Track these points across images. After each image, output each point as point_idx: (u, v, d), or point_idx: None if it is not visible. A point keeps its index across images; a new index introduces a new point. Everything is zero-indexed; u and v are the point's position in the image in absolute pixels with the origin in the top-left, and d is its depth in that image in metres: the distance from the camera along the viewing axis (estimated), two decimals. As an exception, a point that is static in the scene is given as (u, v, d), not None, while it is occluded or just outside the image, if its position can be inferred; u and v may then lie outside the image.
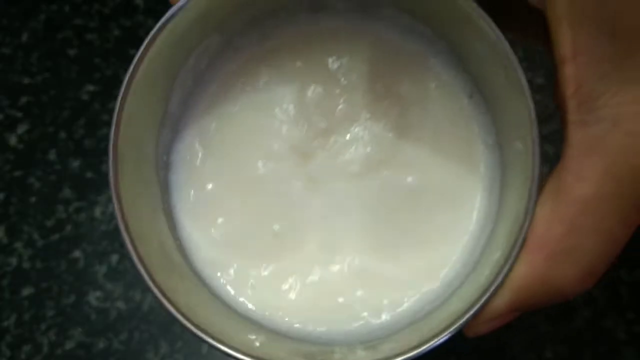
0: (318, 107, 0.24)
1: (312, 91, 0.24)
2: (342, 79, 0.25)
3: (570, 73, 0.18)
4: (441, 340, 0.19)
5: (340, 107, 0.24)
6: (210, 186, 0.24)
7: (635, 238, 0.38)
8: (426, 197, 0.24)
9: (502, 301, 0.19)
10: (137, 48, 0.22)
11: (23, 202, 0.38)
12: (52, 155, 0.39)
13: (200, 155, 0.25)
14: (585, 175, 0.18)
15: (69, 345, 0.35)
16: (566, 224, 0.18)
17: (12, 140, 0.40)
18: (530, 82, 0.19)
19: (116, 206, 0.21)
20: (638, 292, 0.35)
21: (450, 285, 0.22)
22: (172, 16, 0.21)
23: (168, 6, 0.22)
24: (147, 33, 0.22)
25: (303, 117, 0.24)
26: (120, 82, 0.23)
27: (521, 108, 0.19)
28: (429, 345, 0.19)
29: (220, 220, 0.24)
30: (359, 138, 0.24)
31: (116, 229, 0.37)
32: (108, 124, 0.40)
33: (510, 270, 0.19)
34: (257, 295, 0.23)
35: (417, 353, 0.19)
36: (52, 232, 0.37)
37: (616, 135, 0.17)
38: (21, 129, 0.40)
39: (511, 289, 0.19)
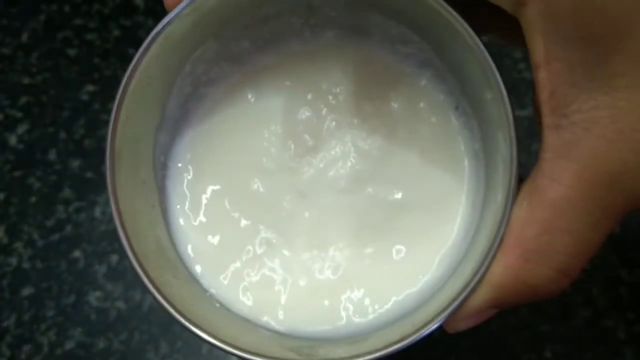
0: (306, 125, 0.25)
1: (301, 110, 0.25)
2: (331, 98, 0.25)
3: (543, 79, 0.18)
4: (422, 335, 0.20)
5: (327, 125, 0.25)
6: (203, 194, 0.25)
7: (635, 238, 0.38)
8: (411, 210, 0.25)
9: (479, 298, 0.20)
10: (137, 48, 0.22)
11: (23, 202, 0.38)
12: (52, 155, 0.39)
13: (193, 163, 0.25)
14: (558, 178, 0.18)
15: (69, 345, 0.35)
16: (539, 225, 0.19)
17: (12, 140, 0.40)
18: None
19: (112, 203, 0.21)
20: (638, 292, 0.35)
21: (431, 289, 0.23)
22: (169, 22, 0.22)
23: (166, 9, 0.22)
24: (147, 33, 0.22)
25: (292, 135, 0.25)
26: (120, 82, 0.23)
27: (500, 110, 0.20)
28: (411, 339, 0.20)
29: (213, 226, 0.25)
30: (346, 155, 0.25)
31: (116, 229, 0.38)
32: (108, 124, 0.40)
33: (487, 269, 0.20)
34: (250, 297, 0.24)
35: (400, 346, 0.20)
36: (52, 232, 0.37)
37: (588, 141, 0.18)
38: (21, 129, 0.40)
39: (488, 286, 0.20)
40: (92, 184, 0.39)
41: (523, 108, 0.36)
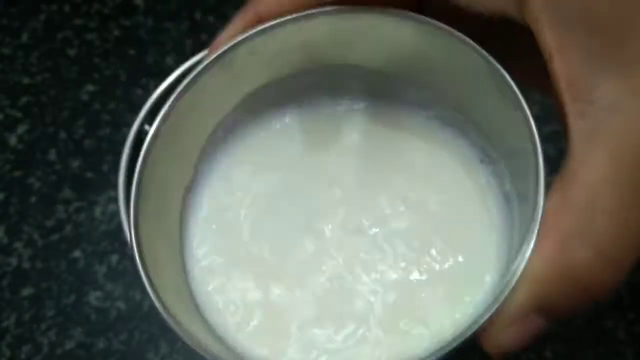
0: (327, 190, 0.25)
1: (319, 180, 0.25)
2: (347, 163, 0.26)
3: (559, 68, 0.18)
4: (450, 348, 0.18)
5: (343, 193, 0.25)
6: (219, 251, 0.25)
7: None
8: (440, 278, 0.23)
9: (520, 297, 0.18)
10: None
11: (23, 202, 0.38)
12: (52, 155, 0.39)
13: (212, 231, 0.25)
14: (589, 160, 0.18)
15: (69, 345, 0.35)
16: (574, 207, 0.18)
17: (12, 140, 0.40)
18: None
19: (133, 236, 0.21)
20: (638, 292, 0.35)
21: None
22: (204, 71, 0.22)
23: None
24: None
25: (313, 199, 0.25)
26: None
27: (529, 153, 0.20)
28: (437, 353, 0.18)
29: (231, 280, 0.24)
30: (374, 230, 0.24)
31: (116, 229, 0.38)
32: (108, 124, 0.40)
33: (526, 264, 0.18)
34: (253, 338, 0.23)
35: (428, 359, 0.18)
36: (52, 232, 0.37)
37: (615, 123, 0.17)
38: (21, 129, 0.40)
39: (527, 282, 0.18)
40: (92, 184, 0.39)
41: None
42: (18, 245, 0.37)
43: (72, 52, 0.42)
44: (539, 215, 0.18)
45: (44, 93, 0.41)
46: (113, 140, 0.39)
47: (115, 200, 0.38)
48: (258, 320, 0.23)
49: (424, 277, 0.23)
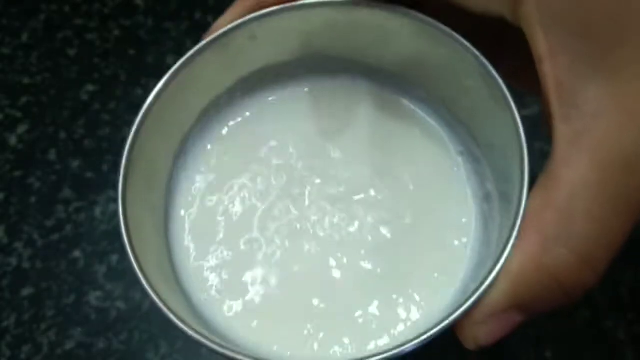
0: (312, 171, 0.26)
1: (306, 158, 0.26)
2: (336, 150, 0.26)
3: (548, 71, 0.18)
4: (427, 336, 0.19)
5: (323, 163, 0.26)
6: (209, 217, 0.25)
7: (634, 238, 0.38)
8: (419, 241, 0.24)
9: (498, 292, 0.18)
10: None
11: (23, 202, 0.38)
12: (52, 155, 0.39)
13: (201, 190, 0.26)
14: (571, 163, 0.18)
15: (69, 345, 0.35)
16: (555, 208, 0.18)
17: (12, 140, 0.40)
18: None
19: (120, 207, 0.21)
20: (638, 292, 0.35)
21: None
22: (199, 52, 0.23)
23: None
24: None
25: (297, 178, 0.26)
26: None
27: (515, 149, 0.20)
28: (419, 341, 0.19)
29: (214, 252, 0.25)
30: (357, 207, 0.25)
31: (116, 229, 0.38)
32: (108, 124, 0.40)
33: (505, 260, 0.18)
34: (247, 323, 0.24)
35: (404, 349, 0.19)
36: (52, 232, 0.37)
37: (599, 127, 0.18)
38: (21, 129, 0.40)
39: (506, 277, 0.18)
40: (92, 184, 0.39)
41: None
42: (18, 245, 0.37)
43: (72, 52, 0.42)
44: (521, 213, 0.19)
45: (44, 93, 0.41)
46: (113, 140, 0.39)
47: (115, 200, 0.37)
48: (242, 297, 0.24)
49: (394, 242, 0.24)
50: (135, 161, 0.22)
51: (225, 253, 0.24)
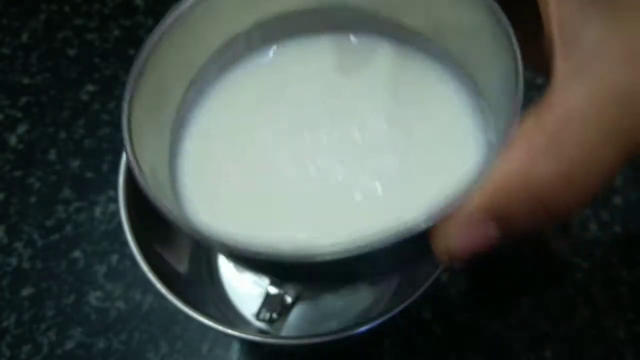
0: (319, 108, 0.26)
1: (321, 103, 0.26)
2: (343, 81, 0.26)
3: (552, 12, 0.19)
4: (396, 238, 0.17)
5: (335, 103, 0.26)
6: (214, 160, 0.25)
7: (635, 238, 0.38)
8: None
9: (478, 198, 0.18)
10: (137, 48, 0.22)
11: (23, 202, 0.38)
12: (52, 155, 0.40)
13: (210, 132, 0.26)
14: (568, 93, 0.18)
15: (69, 345, 0.35)
16: (547, 133, 0.18)
17: (12, 140, 0.40)
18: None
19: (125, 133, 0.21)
20: (638, 292, 0.35)
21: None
22: None
23: (168, 8, 0.22)
24: (147, 33, 0.22)
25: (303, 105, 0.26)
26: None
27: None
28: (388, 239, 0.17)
29: (219, 183, 0.25)
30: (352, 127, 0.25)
31: (116, 229, 0.38)
32: (108, 124, 0.40)
33: (488, 167, 0.18)
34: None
35: (369, 249, 0.17)
36: (52, 232, 0.37)
37: (598, 64, 0.18)
38: (21, 129, 0.40)
39: (488, 186, 0.18)
40: (92, 184, 0.39)
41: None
42: (18, 245, 0.37)
43: (72, 52, 0.42)
44: (512, 129, 0.18)
45: (44, 93, 0.41)
46: (113, 140, 0.39)
47: (115, 200, 0.38)
48: (242, 206, 0.24)
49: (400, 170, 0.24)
50: (146, 75, 0.22)
51: (232, 174, 0.25)
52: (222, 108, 0.26)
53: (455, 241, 0.18)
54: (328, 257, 0.18)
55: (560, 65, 0.18)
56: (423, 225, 0.17)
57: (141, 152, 0.21)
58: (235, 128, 0.26)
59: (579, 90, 0.18)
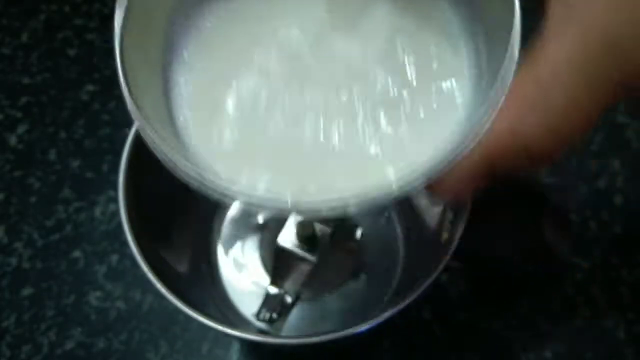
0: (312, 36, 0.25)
1: (313, 45, 0.25)
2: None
3: None
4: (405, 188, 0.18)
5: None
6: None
7: (635, 238, 0.38)
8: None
9: (478, 154, 0.19)
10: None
11: (23, 202, 0.38)
12: (52, 155, 0.40)
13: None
14: (558, 40, 0.19)
15: (69, 345, 0.35)
16: (538, 82, 0.19)
17: (12, 140, 0.40)
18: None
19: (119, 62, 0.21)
20: (638, 292, 0.35)
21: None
22: None
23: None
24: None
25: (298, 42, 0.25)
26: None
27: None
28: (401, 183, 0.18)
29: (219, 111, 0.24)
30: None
31: (116, 229, 0.38)
32: (108, 124, 0.40)
33: (482, 124, 0.19)
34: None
35: (376, 199, 0.18)
36: (52, 232, 0.37)
37: (590, 8, 0.19)
38: (21, 129, 0.40)
39: (486, 142, 0.19)
40: (92, 184, 0.39)
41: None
42: (18, 245, 0.37)
43: (72, 52, 0.42)
44: (508, 83, 0.19)
45: (44, 93, 0.41)
46: (113, 140, 0.39)
47: (115, 200, 0.38)
48: (234, 141, 0.23)
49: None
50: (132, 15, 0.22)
51: (227, 109, 0.24)
52: (211, 46, 0.25)
53: (461, 185, 0.21)
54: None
55: (555, 9, 0.19)
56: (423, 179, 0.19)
57: (140, 97, 0.20)
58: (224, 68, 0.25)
59: (570, 37, 0.19)
